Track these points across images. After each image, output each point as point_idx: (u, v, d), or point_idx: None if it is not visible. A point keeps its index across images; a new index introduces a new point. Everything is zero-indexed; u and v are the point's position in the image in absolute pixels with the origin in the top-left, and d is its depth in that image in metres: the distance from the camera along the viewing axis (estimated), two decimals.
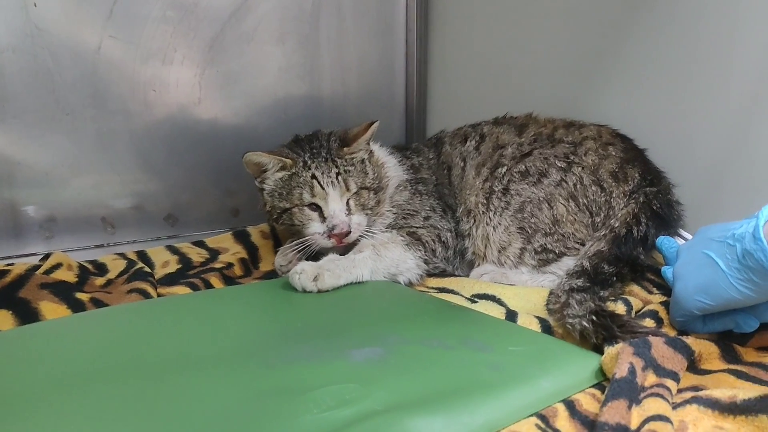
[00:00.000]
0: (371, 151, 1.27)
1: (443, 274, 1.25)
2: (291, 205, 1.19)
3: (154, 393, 0.73)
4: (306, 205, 1.19)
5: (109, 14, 1.32)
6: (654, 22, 1.26)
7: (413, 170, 1.34)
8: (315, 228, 1.18)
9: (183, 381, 0.76)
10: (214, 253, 1.34)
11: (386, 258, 1.15)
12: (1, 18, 1.23)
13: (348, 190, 1.19)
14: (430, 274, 1.23)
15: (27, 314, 0.98)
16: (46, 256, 1.20)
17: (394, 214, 1.27)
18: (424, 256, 1.20)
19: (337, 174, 1.18)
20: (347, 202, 1.19)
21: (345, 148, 1.21)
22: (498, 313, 1.01)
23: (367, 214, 1.21)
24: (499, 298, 1.08)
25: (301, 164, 1.19)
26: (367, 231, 1.21)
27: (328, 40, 1.63)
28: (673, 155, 1.23)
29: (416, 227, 1.24)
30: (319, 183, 1.17)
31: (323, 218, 1.18)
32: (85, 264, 1.22)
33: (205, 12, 1.43)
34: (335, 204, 1.17)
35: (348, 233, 1.17)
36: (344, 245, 1.20)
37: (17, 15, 1.23)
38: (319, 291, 1.07)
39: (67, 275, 1.14)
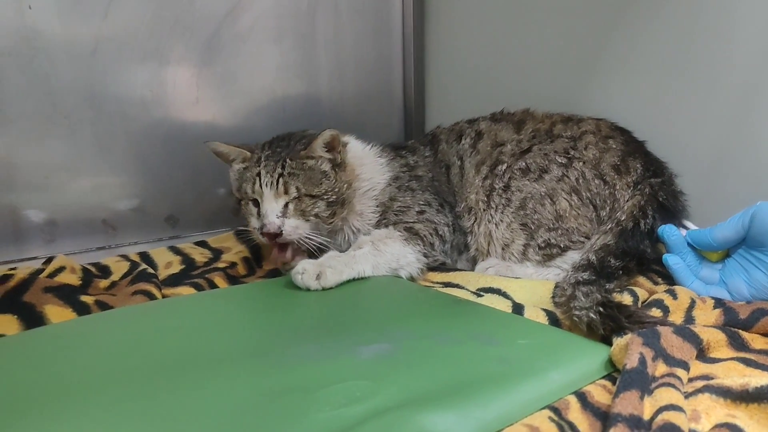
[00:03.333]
0: (342, 163, 1.24)
1: (446, 268, 1.26)
2: (240, 196, 1.23)
3: (164, 394, 0.73)
4: (250, 200, 1.21)
5: (105, 15, 1.31)
6: (652, 13, 1.26)
7: (407, 168, 1.34)
8: (253, 223, 1.22)
9: (192, 382, 0.76)
10: (217, 253, 1.34)
11: (386, 253, 1.15)
12: None
13: (286, 193, 1.18)
14: (431, 268, 1.23)
15: (32, 318, 0.98)
16: (49, 260, 1.20)
17: (381, 212, 1.27)
18: (423, 249, 1.20)
19: (279, 176, 1.17)
20: (286, 205, 1.18)
21: (302, 152, 1.21)
22: (504, 306, 1.01)
23: (308, 221, 1.19)
24: (504, 292, 1.08)
25: (255, 160, 1.22)
26: (330, 233, 1.23)
27: (325, 39, 1.63)
28: (674, 145, 1.23)
29: (412, 222, 1.24)
30: (260, 181, 1.18)
31: (260, 215, 1.20)
32: (89, 267, 1.21)
33: (200, 11, 1.43)
34: (268, 204, 1.18)
35: (278, 235, 1.16)
36: (282, 247, 1.21)
37: (12, 18, 1.22)
38: (323, 288, 1.07)
39: (71, 278, 1.14)
